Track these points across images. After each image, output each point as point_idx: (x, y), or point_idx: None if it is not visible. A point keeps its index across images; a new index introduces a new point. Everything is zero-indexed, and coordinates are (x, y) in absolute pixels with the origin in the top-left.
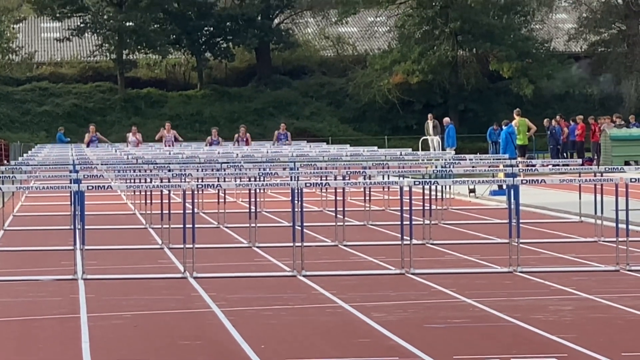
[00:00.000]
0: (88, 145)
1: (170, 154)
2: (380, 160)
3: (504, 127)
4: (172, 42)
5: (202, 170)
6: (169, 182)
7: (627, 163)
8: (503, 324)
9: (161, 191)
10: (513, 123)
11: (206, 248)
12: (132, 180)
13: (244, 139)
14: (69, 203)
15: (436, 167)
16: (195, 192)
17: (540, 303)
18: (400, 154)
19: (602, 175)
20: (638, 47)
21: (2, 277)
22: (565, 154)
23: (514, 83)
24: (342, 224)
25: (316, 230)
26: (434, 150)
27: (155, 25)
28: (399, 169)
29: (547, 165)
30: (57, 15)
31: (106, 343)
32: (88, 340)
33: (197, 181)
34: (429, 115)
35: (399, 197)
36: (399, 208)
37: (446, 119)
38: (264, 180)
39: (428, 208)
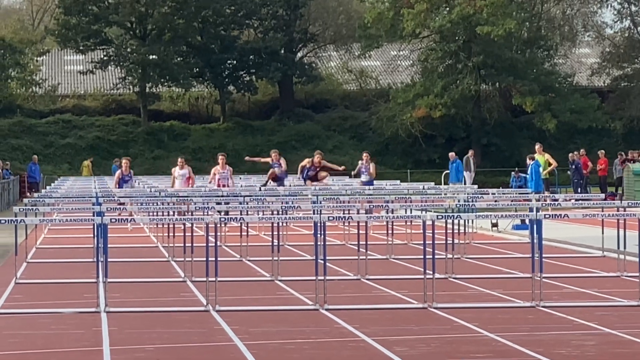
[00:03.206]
0: (120, 185)
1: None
2: (403, 194)
3: (529, 162)
4: (195, 75)
5: (224, 203)
6: (191, 215)
7: None
8: (526, 358)
9: (184, 224)
10: (548, 158)
11: (229, 281)
12: (155, 213)
13: (317, 168)
14: (92, 235)
15: (459, 201)
16: (218, 225)
17: (563, 338)
18: (423, 188)
19: (624, 210)
20: None
21: (25, 310)
22: (587, 189)
23: (537, 117)
24: (364, 257)
25: (339, 264)
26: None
27: (179, 59)
28: (422, 202)
29: (570, 200)
30: (81, 48)
31: None
32: None
33: (220, 214)
34: (470, 152)
35: (421, 231)
36: (422, 242)
37: (451, 154)
38: (286, 214)
39: (451, 242)
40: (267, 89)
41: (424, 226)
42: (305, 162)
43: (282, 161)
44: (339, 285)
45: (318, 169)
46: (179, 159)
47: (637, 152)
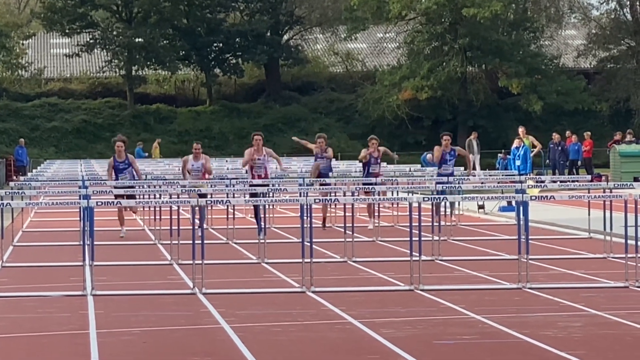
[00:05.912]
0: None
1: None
2: (390, 176)
3: (517, 143)
4: (182, 58)
5: (211, 186)
6: (178, 198)
7: (636, 179)
8: (512, 340)
9: (170, 207)
10: (532, 140)
11: (215, 264)
12: (142, 196)
13: (375, 156)
14: (78, 219)
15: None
16: (205, 208)
17: (550, 319)
18: (410, 170)
19: (611, 192)
20: None
21: (11, 293)
22: (575, 171)
23: (523, 99)
24: (351, 240)
25: (325, 246)
26: (474, 169)
27: (165, 41)
28: (408, 184)
29: (557, 182)
30: (67, 31)
31: (115, 359)
32: (97, 356)
33: (207, 197)
34: (474, 134)
35: (408, 213)
36: (408, 224)
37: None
38: (273, 197)
39: (437, 224)
40: (253, 71)
41: (411, 208)
42: (363, 154)
43: (330, 151)
44: (326, 267)
45: (378, 156)
46: (195, 144)
47: (619, 133)
